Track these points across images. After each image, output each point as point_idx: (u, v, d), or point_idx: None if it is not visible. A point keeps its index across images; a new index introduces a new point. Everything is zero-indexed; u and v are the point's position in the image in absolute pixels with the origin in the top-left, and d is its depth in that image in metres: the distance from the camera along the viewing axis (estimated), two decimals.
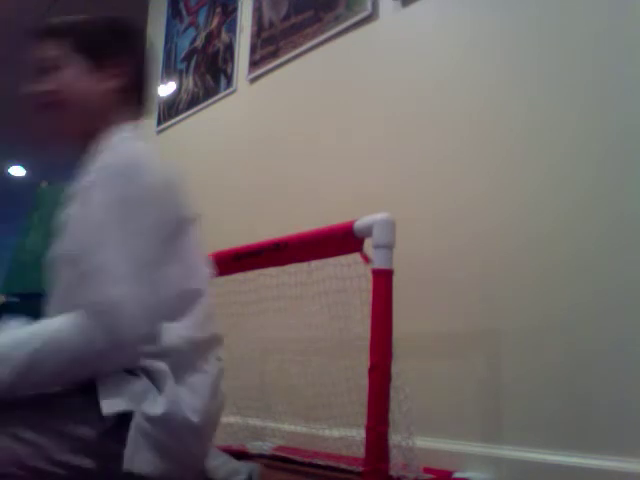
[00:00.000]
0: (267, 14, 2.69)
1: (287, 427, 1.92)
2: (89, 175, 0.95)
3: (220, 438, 1.64)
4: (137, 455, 0.85)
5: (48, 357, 0.83)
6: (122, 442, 0.85)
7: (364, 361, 1.40)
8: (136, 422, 0.86)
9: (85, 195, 0.94)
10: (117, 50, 1.10)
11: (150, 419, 0.86)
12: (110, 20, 1.12)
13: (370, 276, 1.46)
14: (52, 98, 1.05)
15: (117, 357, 0.85)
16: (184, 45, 3.28)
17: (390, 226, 1.47)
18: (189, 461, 0.94)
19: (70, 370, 0.84)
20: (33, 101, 1.06)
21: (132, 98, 1.11)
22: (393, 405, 1.38)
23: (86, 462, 0.85)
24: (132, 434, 0.85)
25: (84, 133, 1.06)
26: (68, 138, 1.10)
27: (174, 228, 0.96)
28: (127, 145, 1.00)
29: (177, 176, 1.01)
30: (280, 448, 1.86)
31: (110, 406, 0.85)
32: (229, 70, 2.87)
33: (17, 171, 7.12)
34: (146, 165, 0.95)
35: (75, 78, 1.06)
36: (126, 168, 0.93)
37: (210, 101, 2.97)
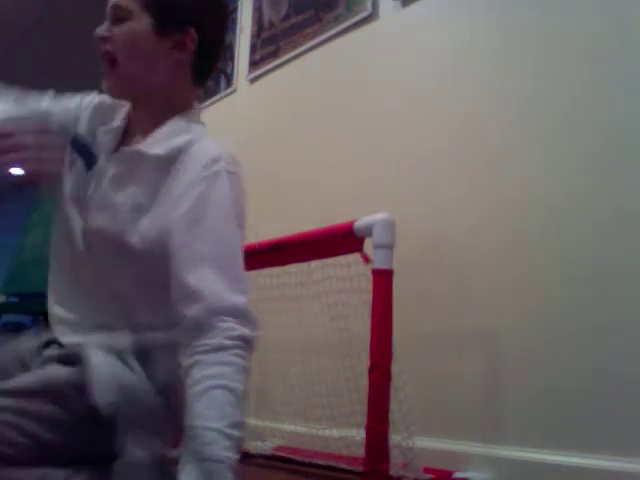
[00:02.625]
0: (267, 14, 2.69)
1: (287, 427, 1.92)
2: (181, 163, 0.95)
3: None
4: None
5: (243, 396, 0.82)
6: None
7: (364, 361, 1.40)
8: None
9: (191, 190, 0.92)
10: (190, 15, 1.00)
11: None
12: None
13: (370, 276, 1.46)
14: (111, 49, 0.98)
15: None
16: None
17: (390, 226, 1.47)
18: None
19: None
20: (98, 48, 1.00)
21: (196, 73, 1.03)
22: (393, 405, 1.38)
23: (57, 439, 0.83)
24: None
25: (141, 98, 1.01)
26: (122, 95, 1.05)
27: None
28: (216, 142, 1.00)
29: None
30: (280, 448, 1.86)
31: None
32: (229, 70, 2.87)
33: (17, 171, 7.12)
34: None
35: (138, 34, 0.97)
36: (236, 169, 0.97)
37: (210, 101, 2.97)
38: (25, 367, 0.97)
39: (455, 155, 1.82)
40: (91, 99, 1.12)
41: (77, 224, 1.00)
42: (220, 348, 0.82)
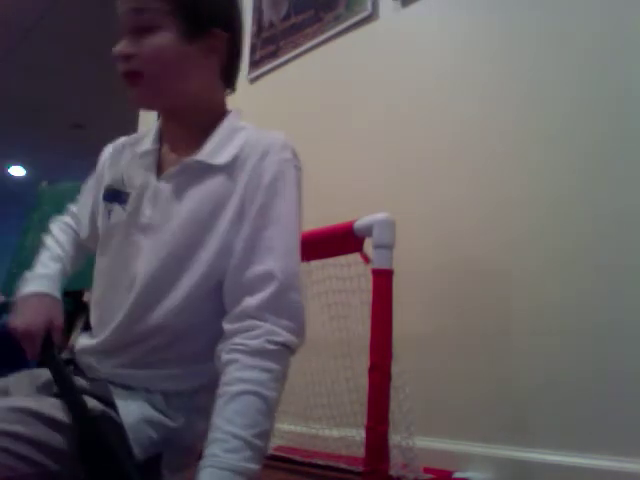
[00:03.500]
0: (267, 14, 2.69)
1: (287, 427, 1.92)
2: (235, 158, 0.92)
3: None
4: None
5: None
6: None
7: (364, 361, 1.40)
8: None
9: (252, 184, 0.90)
10: (219, 17, 0.95)
11: None
12: None
13: (370, 276, 1.46)
14: (138, 68, 0.90)
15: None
16: None
17: (390, 226, 1.47)
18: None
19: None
20: (119, 67, 0.90)
21: (228, 78, 1.00)
22: (393, 405, 1.38)
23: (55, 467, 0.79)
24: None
25: (182, 113, 0.96)
26: (154, 106, 1.01)
27: None
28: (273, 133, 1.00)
29: None
30: (280, 448, 1.86)
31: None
32: None
33: (17, 171, 7.13)
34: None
35: (170, 48, 0.90)
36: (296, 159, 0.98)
37: None
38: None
39: (455, 155, 1.82)
40: (105, 153, 1.08)
41: (139, 248, 0.92)
42: (261, 352, 0.78)
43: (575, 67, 1.60)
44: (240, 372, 0.77)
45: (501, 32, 1.79)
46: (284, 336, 0.81)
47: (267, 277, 0.84)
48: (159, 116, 1.02)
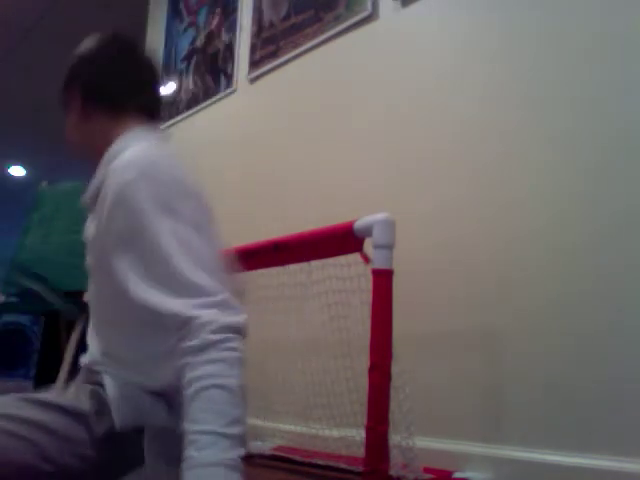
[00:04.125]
0: (267, 14, 2.69)
1: (287, 427, 1.92)
2: (103, 186, 0.96)
3: None
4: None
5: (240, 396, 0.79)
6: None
7: (364, 361, 1.40)
8: None
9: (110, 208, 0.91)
10: (72, 80, 1.11)
11: None
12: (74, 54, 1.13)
13: (370, 276, 1.46)
14: (70, 144, 1.10)
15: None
16: (184, 45, 3.28)
17: (390, 226, 1.47)
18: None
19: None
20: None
21: (107, 106, 1.08)
22: (393, 405, 1.38)
23: (73, 461, 0.88)
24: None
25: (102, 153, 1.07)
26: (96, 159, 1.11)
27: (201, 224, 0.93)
28: (134, 147, 0.98)
29: (188, 171, 0.98)
30: (280, 448, 1.86)
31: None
32: (229, 70, 2.87)
33: (17, 171, 7.12)
34: (158, 161, 0.95)
35: (74, 118, 1.09)
36: (146, 167, 0.92)
37: (210, 101, 2.97)
38: None
39: (455, 155, 1.82)
40: None
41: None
42: (208, 345, 0.78)
43: (575, 67, 1.60)
44: (193, 372, 0.78)
45: (501, 32, 1.79)
46: (222, 319, 0.80)
47: (159, 308, 0.83)
48: None
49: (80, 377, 1.02)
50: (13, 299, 3.74)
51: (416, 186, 1.91)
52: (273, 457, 1.78)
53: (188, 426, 0.75)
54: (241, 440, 0.76)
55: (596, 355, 1.42)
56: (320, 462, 1.69)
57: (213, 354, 0.78)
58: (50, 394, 0.94)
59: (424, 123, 1.93)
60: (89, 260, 1.02)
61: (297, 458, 1.74)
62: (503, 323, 1.61)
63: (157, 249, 0.84)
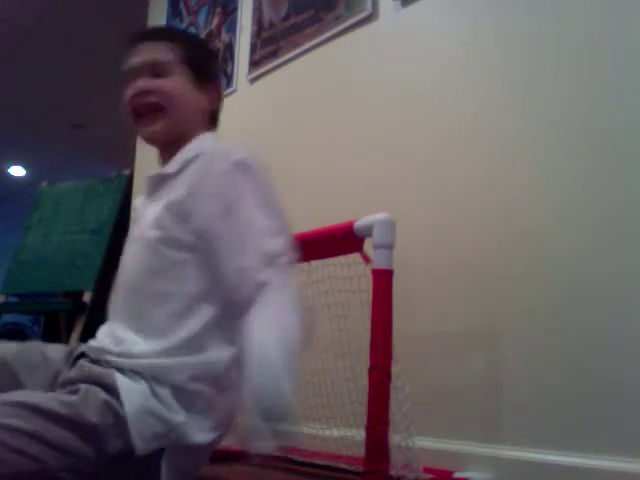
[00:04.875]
0: (267, 14, 2.69)
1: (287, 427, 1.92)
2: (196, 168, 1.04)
3: None
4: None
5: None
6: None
7: (364, 361, 1.40)
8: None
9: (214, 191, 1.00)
10: (215, 73, 1.19)
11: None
12: (206, 42, 1.21)
13: (370, 276, 1.46)
14: (159, 100, 1.07)
15: None
16: None
17: (390, 226, 1.47)
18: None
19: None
20: (136, 101, 1.08)
21: (213, 120, 1.20)
22: (393, 405, 1.38)
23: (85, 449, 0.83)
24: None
25: (173, 142, 1.11)
26: (160, 142, 1.14)
27: None
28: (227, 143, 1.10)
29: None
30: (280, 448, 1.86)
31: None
32: (229, 70, 2.87)
33: (17, 171, 7.12)
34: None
35: (184, 88, 1.10)
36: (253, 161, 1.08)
37: None
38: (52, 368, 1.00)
39: (455, 155, 1.82)
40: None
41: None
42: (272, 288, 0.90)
43: (575, 67, 1.60)
44: (260, 313, 0.88)
45: (501, 32, 1.79)
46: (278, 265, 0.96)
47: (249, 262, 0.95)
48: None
49: (83, 366, 0.95)
50: (13, 299, 3.75)
51: (416, 186, 1.91)
52: (273, 457, 1.78)
53: (253, 351, 0.85)
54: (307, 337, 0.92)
55: (597, 355, 1.42)
56: (320, 462, 1.69)
57: (280, 296, 0.93)
58: (54, 397, 0.87)
59: (424, 123, 1.93)
60: (152, 232, 1.03)
61: (297, 458, 1.73)
62: (503, 323, 1.61)
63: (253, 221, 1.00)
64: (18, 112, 5.43)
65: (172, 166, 1.08)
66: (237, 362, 0.92)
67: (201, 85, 1.12)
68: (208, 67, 1.17)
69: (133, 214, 1.24)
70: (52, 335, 3.62)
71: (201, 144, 1.10)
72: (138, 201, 1.20)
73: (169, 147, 1.11)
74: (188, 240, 0.99)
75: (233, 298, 0.94)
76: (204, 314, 0.97)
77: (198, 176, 1.01)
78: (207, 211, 0.98)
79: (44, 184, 3.97)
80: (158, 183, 1.10)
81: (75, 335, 2.93)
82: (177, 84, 1.08)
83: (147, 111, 1.07)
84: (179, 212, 1.00)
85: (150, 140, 1.12)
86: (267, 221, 0.99)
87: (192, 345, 0.95)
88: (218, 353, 0.96)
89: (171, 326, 0.95)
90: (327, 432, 1.75)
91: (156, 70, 1.07)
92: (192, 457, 0.94)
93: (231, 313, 0.95)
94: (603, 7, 1.56)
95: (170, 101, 1.07)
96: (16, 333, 7.11)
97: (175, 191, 1.02)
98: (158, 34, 1.18)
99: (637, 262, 1.40)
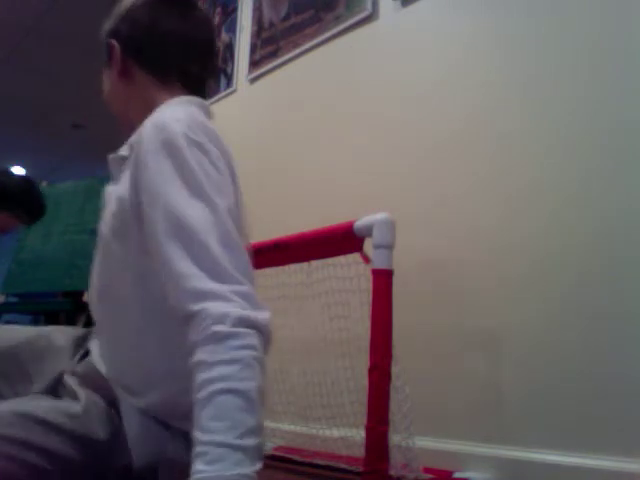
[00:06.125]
0: (267, 14, 2.69)
1: (287, 427, 1.92)
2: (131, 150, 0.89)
3: None
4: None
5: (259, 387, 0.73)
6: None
7: (364, 361, 1.40)
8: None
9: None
10: (108, 34, 1.01)
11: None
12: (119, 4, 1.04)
13: (370, 276, 1.46)
14: (106, 101, 1.07)
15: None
16: None
17: (390, 226, 1.47)
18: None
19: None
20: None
21: (151, 71, 1.00)
22: (393, 405, 1.38)
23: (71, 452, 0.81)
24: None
25: (136, 126, 0.97)
26: (128, 130, 1.05)
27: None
28: (165, 111, 0.89)
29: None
30: (280, 448, 1.86)
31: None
32: (229, 70, 2.87)
33: (17, 171, 7.13)
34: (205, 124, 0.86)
35: (104, 78, 1.05)
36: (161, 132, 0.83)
37: (210, 101, 2.97)
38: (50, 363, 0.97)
39: (456, 155, 1.82)
40: None
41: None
42: (216, 339, 0.69)
43: (575, 67, 1.60)
44: (205, 373, 0.69)
45: (500, 32, 1.79)
46: (239, 311, 0.71)
47: (171, 273, 0.75)
48: None
49: (88, 375, 0.91)
50: (13, 299, 3.75)
51: (416, 186, 1.91)
52: (273, 457, 1.78)
53: (198, 435, 0.66)
54: (257, 452, 0.68)
55: (597, 355, 1.42)
56: (320, 462, 1.69)
57: (226, 353, 0.69)
58: (57, 409, 0.84)
59: (424, 123, 1.93)
60: (107, 232, 0.92)
61: (297, 458, 1.74)
62: (503, 323, 1.61)
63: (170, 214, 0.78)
64: (18, 112, 5.43)
65: (124, 147, 0.95)
66: None
67: (108, 59, 1.01)
68: (105, 33, 1.02)
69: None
70: None
71: (149, 120, 0.89)
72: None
73: (128, 126, 1.02)
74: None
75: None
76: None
77: (133, 163, 0.85)
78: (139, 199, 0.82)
79: (44, 184, 3.97)
80: (117, 165, 0.96)
81: None
82: (103, 78, 1.05)
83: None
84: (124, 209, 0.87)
85: (127, 133, 1.11)
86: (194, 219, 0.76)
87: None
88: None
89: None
90: (327, 432, 1.75)
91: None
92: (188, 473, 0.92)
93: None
94: (603, 7, 1.56)
95: (109, 106, 1.06)
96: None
97: (123, 182, 0.89)
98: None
99: (637, 262, 1.40)
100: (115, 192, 0.90)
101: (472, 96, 1.82)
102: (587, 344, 1.44)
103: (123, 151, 0.95)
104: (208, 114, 0.98)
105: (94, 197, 3.66)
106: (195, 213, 0.76)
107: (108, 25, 1.03)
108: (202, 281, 0.72)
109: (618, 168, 1.47)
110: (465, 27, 1.89)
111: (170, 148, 0.80)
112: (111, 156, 0.97)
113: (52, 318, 3.79)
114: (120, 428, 0.85)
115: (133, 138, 0.91)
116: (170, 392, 0.86)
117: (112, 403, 0.87)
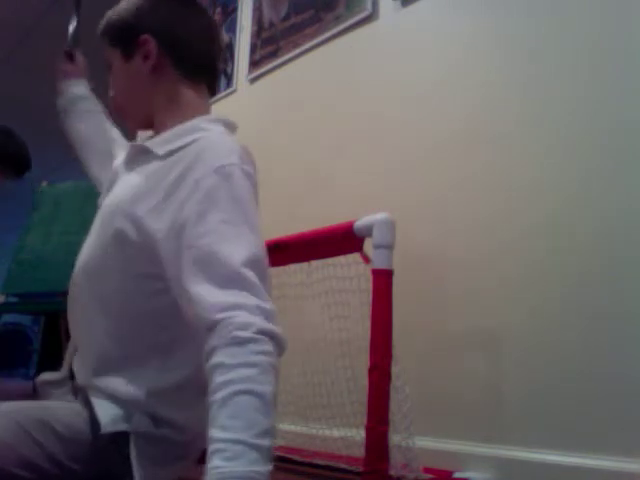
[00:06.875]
0: (267, 14, 2.69)
1: (287, 427, 1.92)
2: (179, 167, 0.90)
3: None
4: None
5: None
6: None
7: (364, 361, 1.40)
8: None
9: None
10: (138, 29, 1.00)
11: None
12: (132, 3, 1.04)
13: (370, 276, 1.46)
14: (114, 104, 1.07)
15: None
16: None
17: (390, 226, 1.47)
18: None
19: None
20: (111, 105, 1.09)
21: (181, 68, 1.02)
22: (393, 405, 1.38)
23: (77, 467, 0.86)
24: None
25: (151, 125, 1.04)
26: (138, 128, 1.10)
27: None
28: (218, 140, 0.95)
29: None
30: (280, 448, 1.86)
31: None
32: (229, 70, 2.87)
33: None
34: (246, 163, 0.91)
35: (119, 72, 1.03)
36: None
37: (210, 101, 2.96)
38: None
39: (456, 155, 1.82)
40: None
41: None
42: (237, 343, 0.72)
43: (575, 67, 1.60)
44: (225, 375, 0.71)
45: (500, 32, 1.79)
46: (259, 322, 0.75)
47: (198, 293, 0.79)
48: None
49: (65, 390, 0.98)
50: (13, 299, 3.75)
51: (416, 186, 1.91)
52: (273, 457, 1.78)
53: (215, 433, 0.68)
54: (270, 453, 0.70)
55: (597, 355, 1.42)
56: (320, 462, 1.69)
57: (247, 357, 0.72)
58: (56, 416, 0.88)
59: (424, 122, 1.93)
60: (109, 208, 0.96)
61: (297, 458, 1.74)
62: (503, 323, 1.61)
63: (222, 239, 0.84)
64: (18, 112, 5.42)
65: (160, 146, 0.96)
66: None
67: (130, 51, 1.01)
68: (126, 25, 1.01)
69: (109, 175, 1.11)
70: (52, 335, 3.62)
71: (197, 132, 0.95)
72: (117, 162, 1.09)
73: (154, 125, 1.04)
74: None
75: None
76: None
77: (174, 181, 0.88)
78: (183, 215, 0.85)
79: (44, 184, 3.97)
80: (137, 154, 0.99)
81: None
82: (114, 75, 1.04)
83: (118, 114, 1.08)
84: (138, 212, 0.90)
85: (134, 133, 1.12)
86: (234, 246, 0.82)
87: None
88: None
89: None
90: (327, 432, 1.75)
91: (108, 67, 1.06)
92: (157, 442, 0.92)
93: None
94: (603, 7, 1.56)
95: (119, 98, 1.05)
96: (16, 333, 7.11)
97: (152, 181, 0.91)
98: (100, 33, 1.09)
99: (637, 262, 1.40)
100: (130, 182, 0.95)
101: (472, 96, 1.82)
102: (587, 344, 1.44)
103: (154, 147, 0.96)
104: (234, 131, 1.07)
105: (94, 197, 3.66)
106: (233, 237, 0.83)
107: (124, 20, 1.02)
108: (230, 294, 0.77)
109: (618, 168, 1.47)
110: (465, 27, 1.89)
111: (227, 178, 0.86)
112: (135, 144, 1.00)
113: (52, 318, 3.79)
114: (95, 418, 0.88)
115: (174, 141, 0.94)
116: (130, 376, 0.90)
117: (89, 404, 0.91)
